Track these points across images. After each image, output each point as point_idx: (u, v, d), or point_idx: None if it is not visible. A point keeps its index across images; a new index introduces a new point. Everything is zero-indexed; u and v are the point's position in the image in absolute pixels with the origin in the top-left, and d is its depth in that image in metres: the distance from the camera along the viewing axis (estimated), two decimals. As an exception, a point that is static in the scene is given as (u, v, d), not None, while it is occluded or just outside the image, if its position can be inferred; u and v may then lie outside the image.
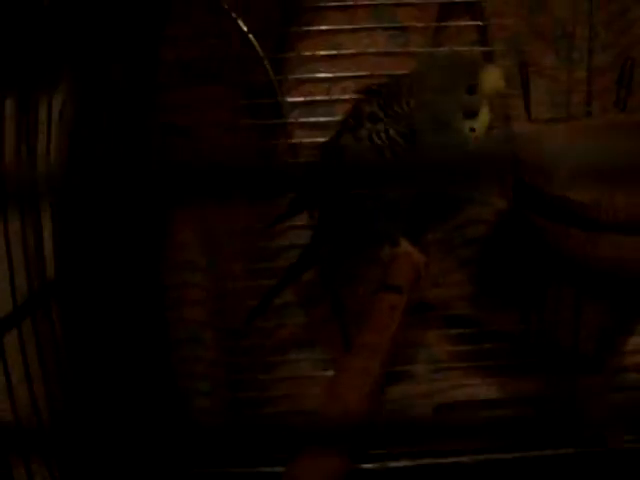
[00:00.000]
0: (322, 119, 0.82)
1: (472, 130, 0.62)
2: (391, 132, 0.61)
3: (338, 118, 0.74)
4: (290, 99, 0.83)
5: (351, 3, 0.81)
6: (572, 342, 0.90)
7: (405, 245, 0.65)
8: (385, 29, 0.82)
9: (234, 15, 0.81)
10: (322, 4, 0.82)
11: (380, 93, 0.64)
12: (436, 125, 0.62)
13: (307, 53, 0.82)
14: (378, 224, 0.64)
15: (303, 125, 0.83)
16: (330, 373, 0.86)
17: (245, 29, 0.81)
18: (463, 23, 0.84)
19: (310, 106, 0.83)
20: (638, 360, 0.91)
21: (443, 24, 0.85)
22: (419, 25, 0.82)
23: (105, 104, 0.72)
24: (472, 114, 0.62)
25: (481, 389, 0.92)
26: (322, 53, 0.82)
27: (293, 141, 0.83)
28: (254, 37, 0.82)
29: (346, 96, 0.79)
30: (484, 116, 0.62)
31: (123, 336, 0.82)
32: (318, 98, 0.82)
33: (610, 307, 0.91)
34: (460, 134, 0.62)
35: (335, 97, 0.82)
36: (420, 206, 0.64)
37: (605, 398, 0.91)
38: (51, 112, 0.59)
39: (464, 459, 0.90)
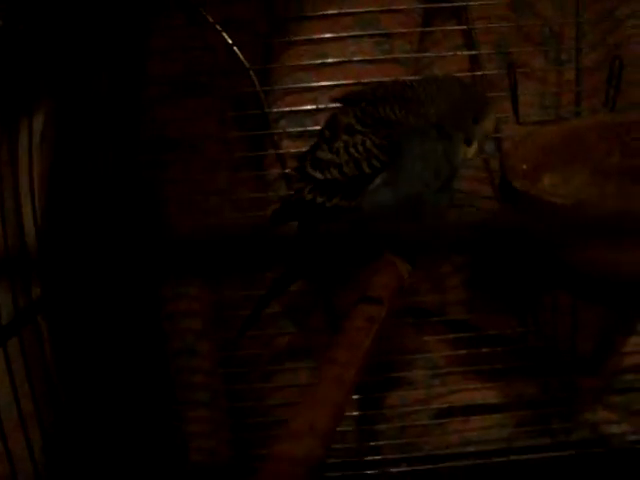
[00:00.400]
0: (309, 129, 0.82)
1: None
2: (368, 144, 0.61)
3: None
4: (277, 109, 0.83)
5: (335, 11, 0.81)
6: (570, 344, 0.89)
7: (388, 254, 0.64)
8: (370, 36, 0.82)
9: (219, 27, 0.82)
10: (307, 14, 0.82)
11: (358, 102, 0.64)
12: (427, 137, 0.62)
13: (292, 63, 0.82)
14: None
15: (291, 135, 0.83)
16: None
17: (230, 41, 0.82)
18: (449, 28, 0.84)
19: (297, 116, 0.83)
20: (637, 361, 0.90)
21: (428, 29, 0.84)
22: (404, 31, 0.82)
23: (89, 123, 0.72)
24: (468, 142, 0.64)
25: (480, 393, 0.91)
26: (307, 62, 0.82)
27: (281, 151, 0.83)
28: (240, 48, 0.82)
29: (333, 105, 0.79)
30: (474, 149, 0.64)
31: (118, 349, 0.83)
32: (305, 108, 0.82)
33: (608, 307, 0.90)
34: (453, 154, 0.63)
35: (322, 106, 0.82)
36: (399, 215, 0.64)
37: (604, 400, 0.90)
38: (32, 135, 0.59)
39: (463, 463, 0.89)
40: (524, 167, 0.75)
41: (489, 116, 0.64)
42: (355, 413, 0.91)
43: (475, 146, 0.64)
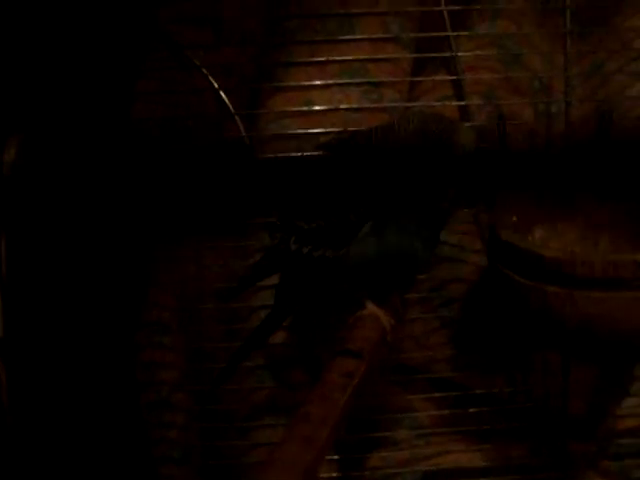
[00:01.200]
0: (294, 175, 0.80)
1: None
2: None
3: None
4: (262, 155, 0.81)
5: (323, 59, 0.80)
6: (561, 405, 0.86)
7: (371, 307, 0.62)
8: (358, 85, 0.81)
9: (205, 71, 0.81)
10: (294, 60, 0.81)
11: (340, 149, 0.62)
12: None
13: (279, 109, 0.81)
14: (341, 285, 0.62)
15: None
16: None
17: (216, 85, 0.81)
18: (438, 78, 0.83)
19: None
20: (633, 424, 0.86)
21: (417, 79, 0.84)
22: (393, 80, 0.81)
23: (70, 164, 0.70)
24: None
25: (465, 455, 0.87)
26: (294, 109, 0.81)
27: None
28: (227, 93, 0.81)
29: (317, 152, 0.77)
30: None
31: (89, 399, 0.79)
32: (290, 155, 0.81)
33: (601, 366, 0.87)
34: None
35: (308, 153, 0.80)
36: (386, 266, 0.61)
37: (598, 465, 0.86)
38: (2, 167, 0.57)
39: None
40: (514, 219, 0.73)
41: (459, 138, 0.59)
42: (335, 474, 0.87)
43: None
